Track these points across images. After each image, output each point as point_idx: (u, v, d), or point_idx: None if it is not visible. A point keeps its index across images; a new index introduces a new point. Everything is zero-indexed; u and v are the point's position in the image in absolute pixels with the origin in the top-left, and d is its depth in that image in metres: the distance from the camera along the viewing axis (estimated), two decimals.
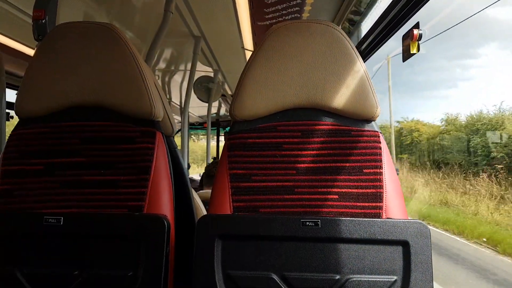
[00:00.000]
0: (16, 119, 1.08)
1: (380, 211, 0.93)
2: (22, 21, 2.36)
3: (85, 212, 0.95)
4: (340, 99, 0.96)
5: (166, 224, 0.89)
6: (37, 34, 1.41)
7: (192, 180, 3.92)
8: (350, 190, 0.94)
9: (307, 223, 0.87)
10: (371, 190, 0.94)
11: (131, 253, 0.89)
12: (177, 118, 6.66)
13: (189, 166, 5.10)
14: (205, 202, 1.49)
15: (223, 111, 7.21)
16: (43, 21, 1.40)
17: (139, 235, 0.90)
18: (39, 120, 1.01)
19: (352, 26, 2.46)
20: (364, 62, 0.99)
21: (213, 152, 7.50)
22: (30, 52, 2.96)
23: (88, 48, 1.00)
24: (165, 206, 0.97)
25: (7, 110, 2.85)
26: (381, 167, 0.95)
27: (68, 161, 0.98)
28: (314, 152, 0.96)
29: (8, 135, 1.03)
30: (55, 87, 1.00)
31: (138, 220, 0.92)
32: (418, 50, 1.50)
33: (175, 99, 6.02)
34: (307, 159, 0.96)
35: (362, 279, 0.86)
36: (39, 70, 1.01)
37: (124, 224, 0.91)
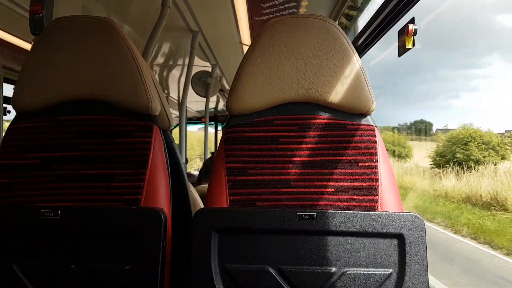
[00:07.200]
0: (13, 114, 1.09)
1: (376, 204, 0.94)
2: (19, 15, 2.35)
3: (82, 206, 0.96)
4: (336, 93, 0.97)
5: (162, 217, 0.90)
6: (34, 29, 1.41)
7: (190, 175, 3.93)
8: (345, 183, 0.95)
9: (303, 216, 0.88)
10: (367, 184, 0.95)
11: (128, 247, 0.90)
12: (175, 113, 6.67)
13: (186, 161, 5.10)
14: (203, 196, 1.50)
15: (221, 106, 7.21)
16: (40, 15, 1.40)
17: (136, 228, 0.90)
18: (35, 114, 1.02)
19: (349, 21, 2.47)
20: (361, 57, 1.00)
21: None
22: (28, 46, 2.95)
23: (85, 42, 1.00)
24: (162, 200, 0.98)
25: (4, 105, 2.85)
26: (376, 161, 0.96)
27: (64, 155, 0.99)
28: (310, 146, 0.97)
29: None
30: (52, 81, 1.00)
31: (135, 214, 0.92)
32: (414, 45, 1.50)
33: (173, 94, 6.02)
34: (304, 153, 0.97)
35: (358, 272, 0.87)
36: (36, 64, 1.01)
37: (121, 218, 0.91)
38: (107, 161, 0.98)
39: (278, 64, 0.97)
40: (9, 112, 3.34)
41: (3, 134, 1.02)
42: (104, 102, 1.01)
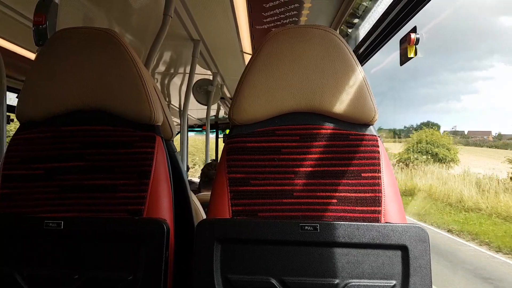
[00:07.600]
0: (16, 122, 1.09)
1: (379, 215, 0.93)
2: (23, 25, 2.37)
3: (85, 216, 0.96)
4: (338, 103, 0.97)
5: (165, 228, 0.90)
6: (38, 39, 1.42)
7: (191, 183, 3.92)
8: (348, 194, 0.95)
9: (306, 227, 0.88)
10: (370, 194, 0.94)
11: (131, 257, 0.90)
12: (176, 120, 6.68)
13: (188, 169, 5.09)
14: (204, 205, 1.50)
15: (222, 113, 7.22)
16: (44, 26, 1.41)
17: (139, 239, 0.90)
18: (39, 124, 1.02)
19: (350, 29, 2.48)
20: (362, 65, 1.00)
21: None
22: (31, 56, 2.97)
23: (88, 53, 1.01)
24: (165, 210, 0.98)
25: (7, 113, 2.86)
26: (379, 171, 0.95)
27: (68, 166, 0.99)
28: (313, 156, 0.97)
29: (9, 138, 1.04)
30: (56, 92, 1.00)
31: (138, 224, 0.92)
32: (416, 54, 1.50)
33: (174, 102, 6.03)
34: (306, 163, 0.97)
35: (361, 283, 0.87)
36: (40, 75, 1.02)
37: (124, 228, 0.92)
38: (110, 172, 0.98)
39: (280, 74, 0.98)
40: (12, 120, 3.35)
41: (7, 141, 1.03)
42: (107, 112, 1.01)
